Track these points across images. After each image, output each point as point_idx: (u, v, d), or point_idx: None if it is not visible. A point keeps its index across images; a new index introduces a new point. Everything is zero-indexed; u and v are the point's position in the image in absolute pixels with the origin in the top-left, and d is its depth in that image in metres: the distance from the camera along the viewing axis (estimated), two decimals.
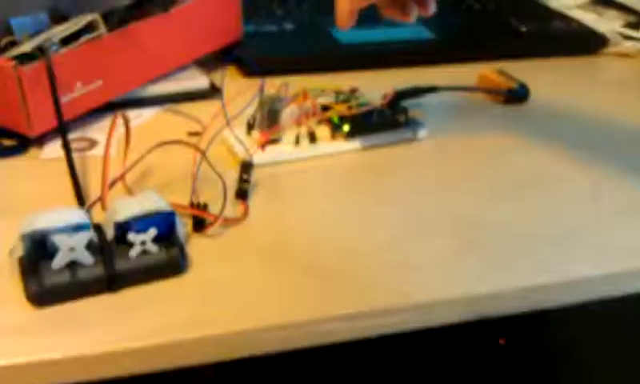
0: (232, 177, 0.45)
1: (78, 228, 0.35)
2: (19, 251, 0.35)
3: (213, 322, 0.34)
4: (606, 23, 0.81)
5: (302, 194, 0.46)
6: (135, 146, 0.45)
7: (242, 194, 0.44)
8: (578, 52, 0.77)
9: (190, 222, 0.41)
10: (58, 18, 0.54)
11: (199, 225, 0.41)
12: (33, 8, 0.56)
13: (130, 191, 0.43)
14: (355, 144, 0.52)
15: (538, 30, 0.76)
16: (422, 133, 0.54)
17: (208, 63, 0.64)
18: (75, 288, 0.35)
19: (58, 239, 0.34)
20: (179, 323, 0.34)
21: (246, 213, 0.43)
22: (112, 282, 0.35)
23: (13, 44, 0.51)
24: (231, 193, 0.44)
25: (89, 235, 0.35)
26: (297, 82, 0.53)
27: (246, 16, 0.67)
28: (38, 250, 0.34)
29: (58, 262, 0.34)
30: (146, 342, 0.33)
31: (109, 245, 0.36)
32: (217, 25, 0.64)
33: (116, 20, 0.54)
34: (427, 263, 0.39)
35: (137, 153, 0.45)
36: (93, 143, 0.51)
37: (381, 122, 0.52)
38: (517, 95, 0.62)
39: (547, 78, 0.68)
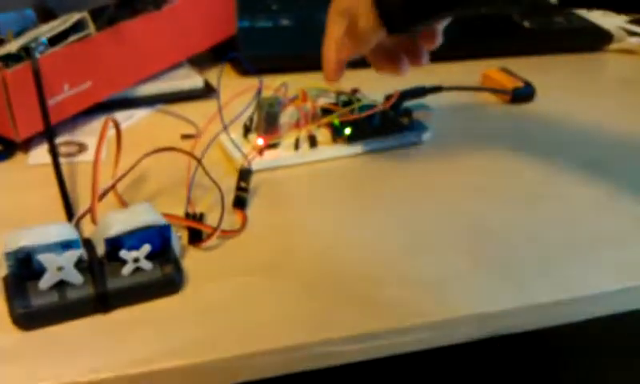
0: (229, 183, 0.43)
1: (66, 245, 0.33)
2: (3, 270, 0.33)
3: (212, 345, 0.32)
4: (610, 19, 0.79)
5: (302, 201, 0.44)
6: (126, 150, 0.42)
7: (240, 203, 0.42)
8: (582, 49, 0.75)
9: (185, 234, 0.39)
10: (45, 14, 0.52)
11: (195, 237, 0.39)
12: (18, 3, 0.53)
13: (121, 201, 0.41)
14: (357, 148, 0.50)
15: (541, 26, 0.74)
16: (427, 136, 0.52)
17: (201, 61, 0.62)
18: (64, 309, 0.32)
19: (46, 258, 0.31)
20: (176, 347, 0.32)
21: (244, 223, 0.41)
22: (103, 302, 0.33)
23: None
24: (228, 201, 0.42)
25: (78, 253, 0.32)
26: (295, 81, 0.51)
27: (239, 11, 0.64)
28: (23, 269, 0.32)
29: (46, 282, 0.32)
30: (140, 368, 0.31)
31: (99, 262, 0.34)
32: (210, 21, 0.61)
33: (105, 18, 0.51)
34: (439, 278, 0.37)
35: (128, 156, 0.42)
36: (82, 147, 0.49)
37: (384, 125, 0.50)
38: (523, 94, 0.60)
39: (552, 77, 0.66)
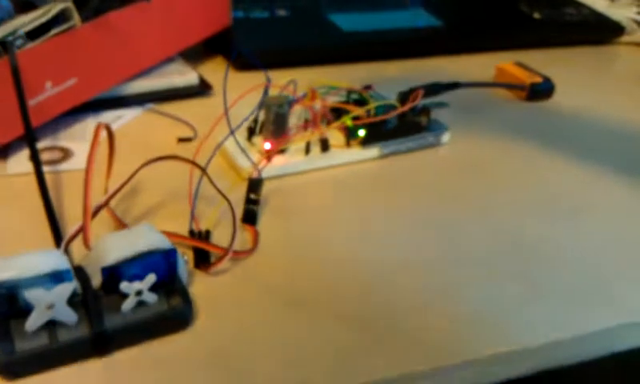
0: (235, 195, 0.38)
1: (56, 277, 0.28)
2: None
3: None
4: (619, 10, 0.75)
5: (318, 212, 0.39)
6: (117, 155, 0.37)
7: (251, 218, 0.37)
8: (592, 41, 0.71)
9: (190, 255, 0.34)
10: (23, 4, 0.47)
11: (203, 259, 0.34)
12: None
13: (116, 219, 0.36)
14: (373, 152, 0.45)
15: (551, 18, 0.70)
16: (446, 137, 0.48)
17: (193, 56, 0.57)
18: (55, 354, 0.27)
19: (33, 295, 0.27)
20: None
21: (256, 241, 0.36)
22: (101, 344, 0.28)
23: None
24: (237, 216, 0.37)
25: (71, 287, 0.28)
26: (297, 77, 0.46)
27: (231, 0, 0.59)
28: (6, 307, 0.27)
29: (33, 323, 0.27)
30: None
31: (95, 296, 0.29)
32: (205, 11, 0.56)
33: (91, 8, 0.46)
34: (490, 305, 0.33)
35: (119, 163, 0.38)
36: (66, 153, 0.44)
37: (401, 125, 0.46)
38: (541, 90, 0.56)
39: (568, 71, 0.62)
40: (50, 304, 0.27)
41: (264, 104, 0.42)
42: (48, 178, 0.39)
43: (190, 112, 0.50)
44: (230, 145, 0.43)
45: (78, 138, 0.46)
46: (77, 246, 0.33)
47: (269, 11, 0.65)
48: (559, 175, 0.45)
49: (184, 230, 0.36)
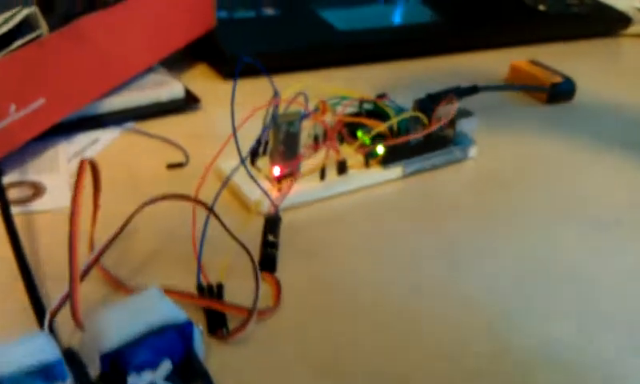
0: (244, 233, 0.32)
1: (45, 373, 0.21)
2: None
3: None
4: (622, 0, 0.71)
5: (342, 248, 0.34)
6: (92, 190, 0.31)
7: (270, 265, 0.31)
8: (599, 33, 0.67)
9: (200, 317, 0.28)
10: None
11: (218, 324, 0.28)
12: None
13: (110, 278, 0.29)
14: (395, 172, 0.39)
15: (556, 10, 0.65)
16: (473, 151, 0.42)
17: (172, 63, 0.50)
18: None
19: None
20: None
21: (279, 295, 0.30)
22: None
23: None
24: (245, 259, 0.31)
25: None
26: (290, 84, 0.39)
27: None
28: None
29: None
30: None
31: None
32: (186, 12, 0.49)
33: (60, 14, 0.39)
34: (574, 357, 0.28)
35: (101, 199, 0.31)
36: (37, 189, 0.37)
37: (425, 140, 0.40)
38: (563, 91, 0.51)
39: (581, 67, 0.58)
40: None
41: (274, 123, 0.36)
42: (17, 222, 0.33)
43: (176, 130, 0.44)
44: (228, 168, 0.37)
45: (49, 170, 0.39)
46: (63, 317, 0.26)
47: (254, 10, 0.58)
48: (597, 185, 0.40)
49: (190, 284, 0.30)
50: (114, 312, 0.24)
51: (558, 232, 0.36)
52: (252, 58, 0.34)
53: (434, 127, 0.39)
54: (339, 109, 0.42)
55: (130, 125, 0.44)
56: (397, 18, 0.61)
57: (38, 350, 0.22)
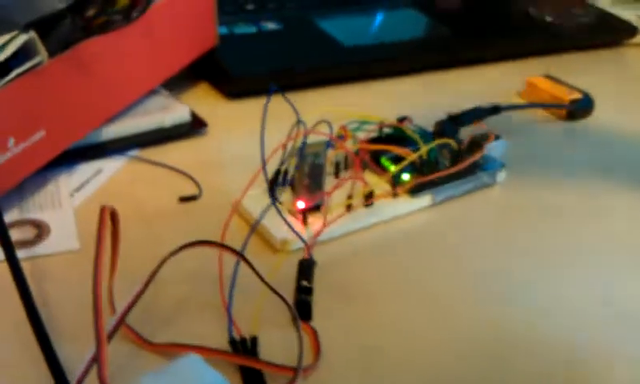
0: (272, 274, 0.30)
1: None
2: None
3: None
4: (624, 9, 0.70)
5: (378, 287, 0.31)
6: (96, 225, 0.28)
7: (305, 313, 0.29)
8: (606, 43, 0.65)
9: (234, 374, 0.26)
10: None
11: (256, 382, 0.25)
12: None
13: (136, 337, 0.27)
14: (424, 200, 0.37)
15: (562, 21, 0.64)
16: (502, 175, 0.40)
17: (171, 84, 0.47)
18: None
19: None
20: None
21: (318, 348, 0.27)
22: None
23: None
24: (277, 307, 0.29)
25: None
26: (295, 103, 0.36)
27: None
28: None
29: None
30: None
31: None
32: (188, 31, 0.47)
33: (60, 38, 0.36)
34: None
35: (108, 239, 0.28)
36: (42, 229, 0.34)
37: (453, 165, 0.38)
38: (582, 108, 0.49)
39: (593, 79, 0.56)
40: None
41: (300, 154, 0.33)
42: (25, 270, 0.29)
43: (184, 158, 0.41)
44: (251, 205, 0.34)
45: (51, 206, 0.36)
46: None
47: (255, 25, 0.56)
48: (630, 207, 0.38)
49: (220, 337, 0.27)
50: (149, 380, 0.21)
51: (601, 261, 0.34)
52: (276, 86, 0.32)
53: (471, 159, 0.37)
54: (359, 134, 0.40)
55: (134, 152, 0.41)
56: (402, 30, 0.59)
57: None
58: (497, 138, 0.40)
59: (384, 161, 0.38)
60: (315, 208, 0.35)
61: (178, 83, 0.49)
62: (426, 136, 0.39)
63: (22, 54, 0.34)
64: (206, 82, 0.51)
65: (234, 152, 0.42)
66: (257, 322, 0.28)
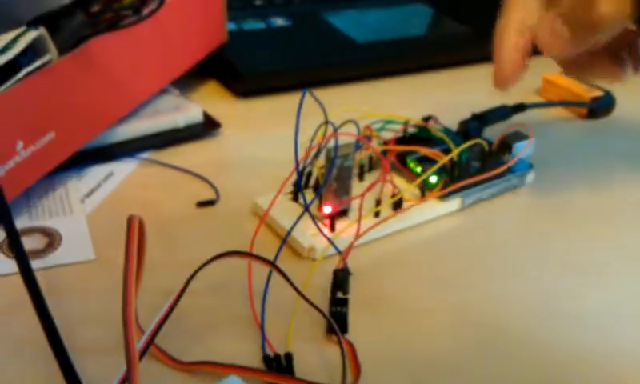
0: (303, 284, 0.28)
1: None
2: None
3: None
4: None
5: (410, 297, 0.29)
6: (120, 232, 0.25)
7: (341, 326, 0.27)
8: None
9: None
10: None
11: None
12: None
13: (165, 357, 0.25)
14: (453, 204, 0.35)
15: None
16: (531, 176, 0.38)
17: (179, 82, 0.45)
18: None
19: None
20: None
21: (357, 363, 0.26)
22: None
23: None
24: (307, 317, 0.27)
25: None
26: (308, 102, 0.33)
27: None
28: None
29: None
30: None
31: None
32: (198, 27, 0.45)
33: (70, 34, 0.34)
34: None
35: (123, 246, 0.26)
36: (53, 237, 0.32)
37: (483, 168, 0.36)
38: (604, 106, 0.48)
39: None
40: None
41: (327, 158, 0.31)
42: (40, 282, 0.28)
43: (198, 160, 0.39)
44: (278, 213, 0.33)
45: (62, 212, 0.34)
46: None
47: (264, 21, 0.54)
48: None
49: (253, 352, 0.25)
50: None
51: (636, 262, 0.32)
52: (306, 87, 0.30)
53: (510, 164, 0.36)
54: (384, 134, 0.38)
55: (146, 155, 0.39)
56: (413, 26, 0.57)
57: None
58: (524, 137, 0.38)
59: (410, 162, 0.36)
60: (342, 213, 0.33)
61: (185, 82, 0.47)
62: (452, 136, 0.38)
63: (31, 52, 0.32)
64: (215, 81, 0.50)
65: (249, 153, 0.41)
66: (290, 336, 0.26)
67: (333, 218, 0.32)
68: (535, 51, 0.59)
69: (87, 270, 0.30)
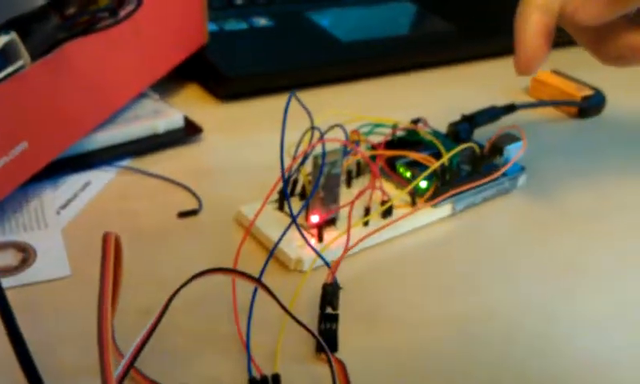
0: (289, 299, 0.27)
1: None
2: None
3: None
4: None
5: (403, 308, 0.28)
6: (95, 246, 0.23)
7: (331, 344, 0.26)
8: None
9: None
10: None
11: None
12: None
13: (146, 382, 0.23)
14: (444, 210, 0.34)
15: None
16: (522, 180, 0.37)
17: (158, 86, 0.43)
18: None
19: None
20: None
21: (347, 381, 0.24)
22: None
23: None
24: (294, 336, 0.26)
25: None
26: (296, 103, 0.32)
27: None
28: None
29: None
30: None
31: None
32: (177, 28, 0.43)
33: (43, 39, 0.32)
34: None
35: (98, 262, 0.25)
36: (28, 253, 0.30)
37: (474, 172, 0.35)
38: (594, 105, 0.47)
39: (597, 73, 0.53)
40: None
41: (315, 164, 0.30)
42: (14, 303, 0.26)
43: (179, 167, 0.38)
44: (264, 224, 0.31)
45: (36, 225, 0.32)
46: None
47: (245, 21, 0.52)
48: None
49: (239, 374, 0.24)
50: None
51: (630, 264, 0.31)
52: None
53: (507, 166, 0.35)
54: (372, 137, 0.37)
55: (125, 163, 0.38)
56: (398, 25, 0.56)
57: None
58: (516, 139, 0.37)
59: (399, 167, 0.35)
60: (330, 221, 0.32)
61: (165, 86, 0.46)
62: (442, 139, 0.37)
63: (2, 58, 0.30)
64: (196, 84, 0.48)
65: (232, 159, 0.39)
66: (278, 355, 0.25)
67: (321, 228, 0.31)
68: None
69: (63, 287, 0.29)
